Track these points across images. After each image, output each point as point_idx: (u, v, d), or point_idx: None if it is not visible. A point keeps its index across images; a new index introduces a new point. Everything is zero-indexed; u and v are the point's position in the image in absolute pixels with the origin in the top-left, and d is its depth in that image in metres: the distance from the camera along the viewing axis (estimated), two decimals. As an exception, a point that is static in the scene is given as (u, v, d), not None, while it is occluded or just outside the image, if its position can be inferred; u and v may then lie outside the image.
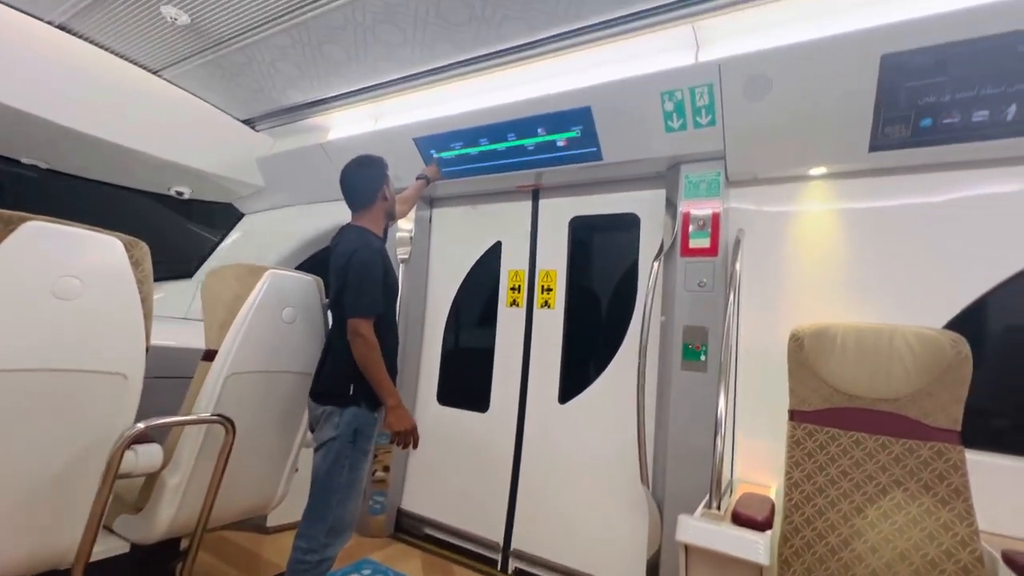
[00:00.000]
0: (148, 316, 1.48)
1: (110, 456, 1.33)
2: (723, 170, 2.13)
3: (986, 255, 1.76)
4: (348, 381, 1.75)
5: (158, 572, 1.83)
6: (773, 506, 1.65)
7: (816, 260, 2.04)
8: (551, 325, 2.69)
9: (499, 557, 2.60)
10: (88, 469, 1.36)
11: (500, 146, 2.51)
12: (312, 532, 1.70)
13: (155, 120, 2.80)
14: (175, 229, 3.77)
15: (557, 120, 2.28)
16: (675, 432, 2.08)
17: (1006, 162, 1.74)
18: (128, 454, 1.38)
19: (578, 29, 1.98)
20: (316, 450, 1.78)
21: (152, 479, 1.65)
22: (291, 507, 2.02)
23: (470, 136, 2.54)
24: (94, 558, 1.37)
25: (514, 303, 2.82)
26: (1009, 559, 1.33)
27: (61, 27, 2.31)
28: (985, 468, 1.60)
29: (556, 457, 2.55)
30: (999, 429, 1.79)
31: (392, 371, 1.84)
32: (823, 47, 1.68)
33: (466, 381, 2.96)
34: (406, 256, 3.03)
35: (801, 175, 2.09)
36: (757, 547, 1.36)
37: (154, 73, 2.65)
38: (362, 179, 1.94)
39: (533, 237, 2.82)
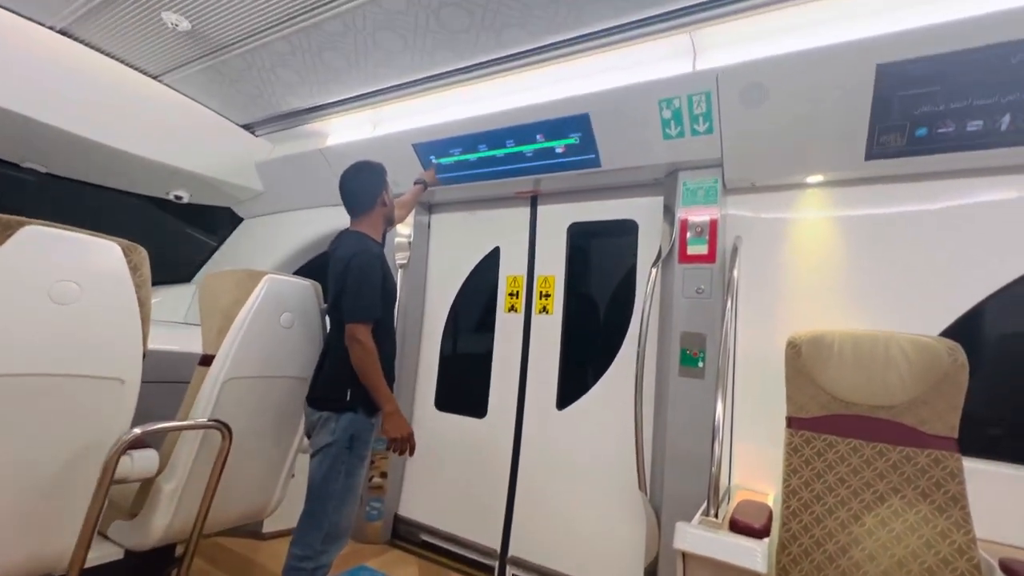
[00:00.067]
0: (146, 321, 1.48)
1: (106, 461, 1.32)
2: (721, 177, 2.14)
3: (982, 263, 1.77)
4: (345, 386, 1.75)
5: (152, 579, 1.82)
6: (771, 513, 1.64)
7: (813, 267, 2.05)
8: (549, 331, 2.69)
9: (496, 564, 2.59)
10: (83, 474, 1.35)
11: (499, 152, 2.52)
12: (308, 538, 1.69)
13: (155, 125, 2.81)
14: (174, 233, 3.76)
15: (556, 127, 2.29)
16: (673, 438, 2.08)
17: (1000, 171, 1.76)
18: (124, 459, 1.37)
19: (577, 37, 2.00)
20: (313, 456, 1.77)
21: (147, 485, 1.64)
22: (287, 513, 2.01)
23: (469, 142, 2.55)
24: (88, 564, 1.36)
25: (512, 308, 2.82)
26: (1006, 567, 1.33)
27: (62, 32, 2.31)
28: (982, 476, 1.61)
29: (554, 463, 2.54)
30: (996, 437, 1.79)
31: (390, 376, 1.84)
32: (819, 56, 1.70)
33: (464, 386, 2.96)
34: (405, 261, 3.03)
35: (798, 183, 2.11)
36: (755, 555, 1.36)
37: (154, 78, 2.66)
38: (361, 184, 1.94)
39: (532, 243, 2.83)
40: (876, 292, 1.92)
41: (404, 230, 3.06)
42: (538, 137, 2.37)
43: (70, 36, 2.34)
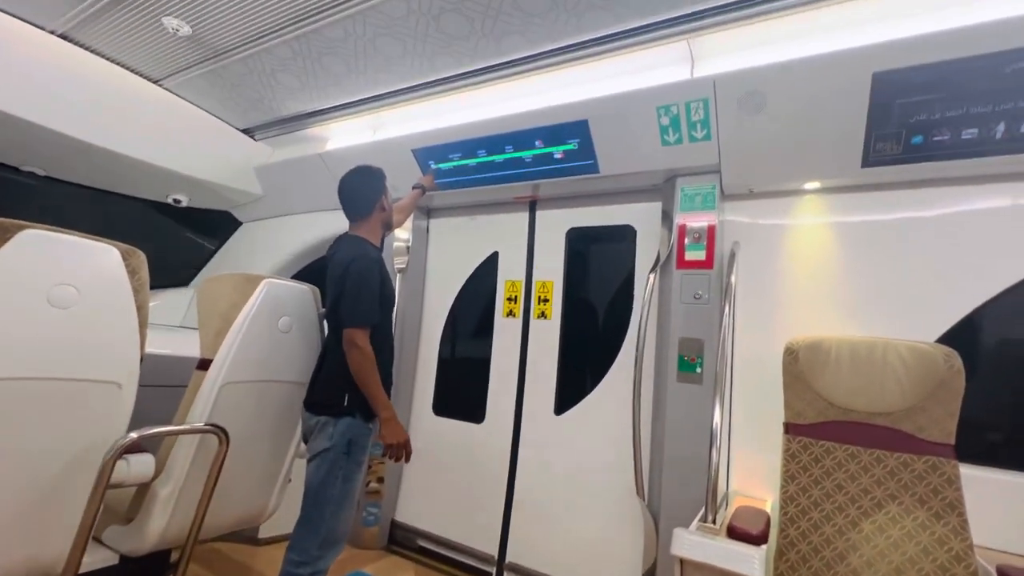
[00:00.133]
0: (144, 325, 1.48)
1: (102, 466, 1.31)
2: (718, 183, 2.15)
3: (978, 269, 1.78)
4: (343, 391, 1.74)
5: (147, 584, 1.81)
6: (769, 519, 1.64)
7: (810, 273, 2.06)
8: (547, 336, 2.69)
9: (493, 570, 2.58)
10: (79, 479, 1.34)
11: (498, 158, 2.53)
12: (304, 544, 1.69)
13: (154, 129, 2.81)
14: (172, 237, 3.76)
15: (555, 133, 2.30)
16: (671, 444, 2.07)
17: (996, 178, 1.77)
18: (120, 464, 1.37)
19: (576, 44, 2.01)
20: (310, 461, 1.76)
21: (143, 489, 1.63)
22: (284, 518, 2.00)
23: (468, 147, 2.56)
24: (82, 570, 1.35)
25: (511, 313, 2.83)
26: (1004, 574, 1.33)
27: (63, 36, 2.32)
28: (980, 482, 1.61)
29: (552, 469, 2.54)
30: (993, 443, 1.79)
31: (387, 382, 1.83)
32: (816, 64, 1.71)
33: (462, 392, 2.95)
34: (403, 266, 3.04)
35: (795, 189, 2.12)
36: (753, 561, 1.35)
37: (154, 82, 2.67)
38: (360, 189, 1.95)
39: (530, 248, 2.83)
40: (873, 298, 1.93)
41: (402, 235, 3.06)
42: (537, 143, 2.38)
43: (71, 40, 2.35)
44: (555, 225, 2.77)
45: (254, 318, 1.80)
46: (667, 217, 2.27)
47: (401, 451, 1.77)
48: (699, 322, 2.09)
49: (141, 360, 1.48)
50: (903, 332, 1.72)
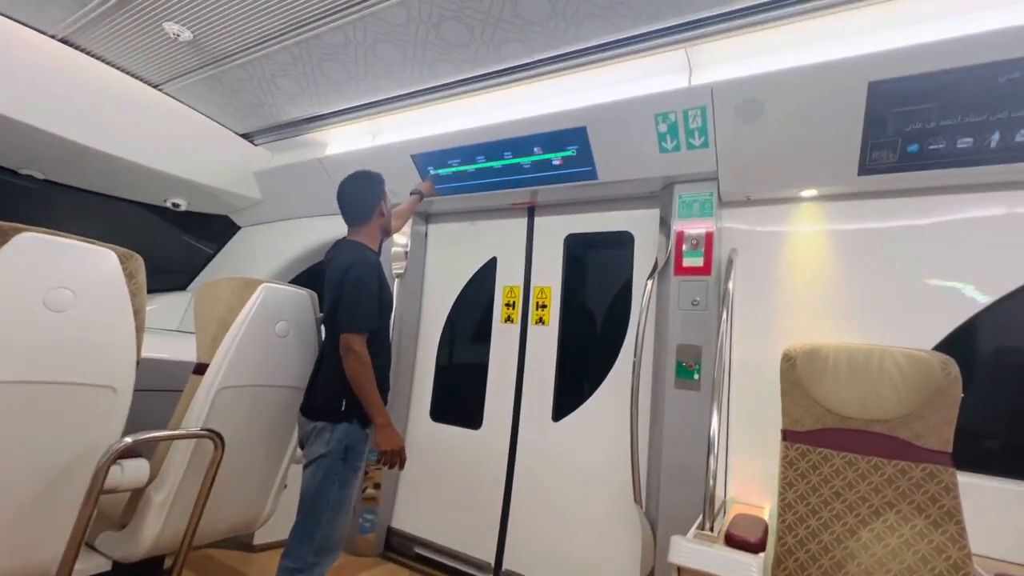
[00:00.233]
0: (140, 329, 1.48)
1: (95, 470, 1.31)
2: (716, 190, 2.16)
3: (974, 277, 1.79)
4: (340, 397, 1.74)
5: (140, 591, 1.79)
6: (766, 527, 1.64)
7: (808, 280, 2.06)
8: (545, 342, 2.69)
9: (490, 578, 2.56)
10: (72, 484, 1.33)
11: (497, 164, 2.54)
12: (299, 551, 1.67)
13: (154, 132, 2.82)
14: (171, 241, 3.76)
15: (553, 139, 2.31)
16: (668, 451, 2.07)
17: (991, 187, 1.78)
18: (114, 469, 1.36)
19: (575, 52, 2.03)
20: (306, 466, 1.75)
21: (137, 495, 1.62)
22: (279, 525, 1.98)
23: (467, 153, 2.57)
24: (75, 576, 1.34)
25: (509, 319, 2.82)
26: (1002, 583, 1.33)
27: (64, 41, 2.33)
28: (978, 490, 1.61)
29: (549, 475, 2.53)
30: (990, 451, 1.79)
31: (384, 387, 1.83)
32: (813, 73, 1.73)
33: (459, 397, 2.94)
34: (401, 271, 3.04)
35: (793, 196, 2.13)
36: (751, 570, 1.35)
37: (154, 87, 2.68)
38: (360, 194, 1.95)
39: (528, 254, 2.84)
40: (870, 305, 1.93)
41: (401, 240, 3.07)
42: (535, 149, 2.39)
43: (72, 45, 2.36)
44: (553, 231, 2.77)
45: (251, 322, 1.80)
46: (665, 224, 2.28)
47: (395, 458, 1.76)
48: (697, 329, 2.09)
49: (137, 364, 1.47)
50: (900, 339, 1.72)
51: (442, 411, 2.96)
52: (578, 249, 2.74)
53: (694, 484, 1.91)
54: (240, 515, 1.91)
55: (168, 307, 3.61)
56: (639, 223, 2.50)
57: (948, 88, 1.60)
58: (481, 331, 2.92)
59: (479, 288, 2.98)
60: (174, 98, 2.77)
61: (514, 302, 2.82)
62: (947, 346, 1.77)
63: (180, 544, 1.59)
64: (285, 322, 1.91)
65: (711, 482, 1.65)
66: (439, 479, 2.84)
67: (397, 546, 2.87)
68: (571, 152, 2.32)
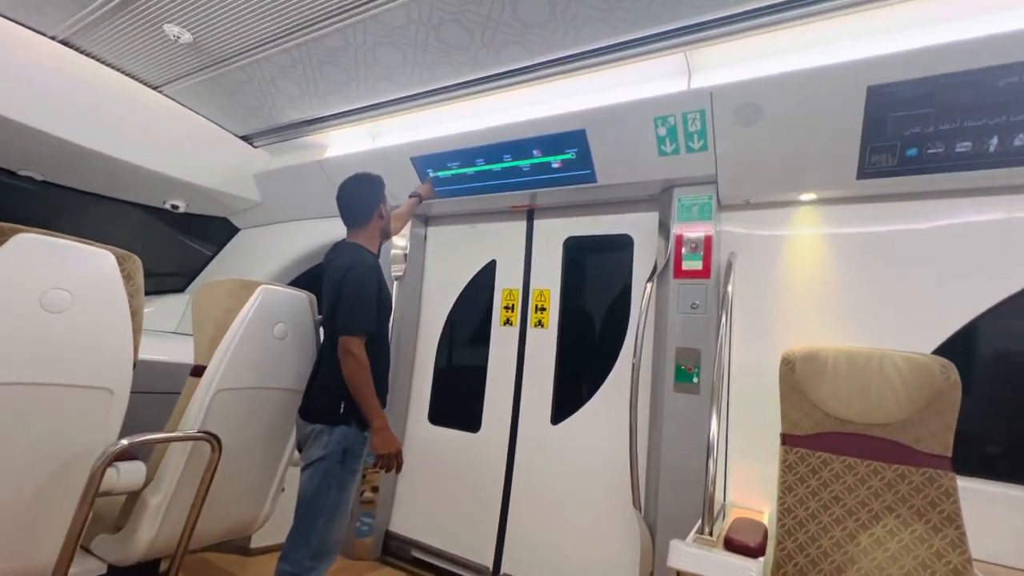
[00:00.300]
0: (138, 330, 1.47)
1: (91, 473, 1.30)
2: (715, 194, 2.16)
3: (973, 281, 1.79)
4: (339, 399, 1.73)
5: (136, 595, 1.78)
6: (766, 532, 1.63)
7: (807, 284, 2.06)
8: (544, 345, 2.68)
9: (488, 582, 2.55)
10: (68, 486, 1.32)
11: (496, 166, 2.54)
12: (296, 554, 1.66)
13: (153, 134, 2.82)
14: (169, 242, 3.75)
15: (552, 142, 2.32)
16: (667, 455, 2.06)
17: (989, 191, 1.79)
18: (110, 471, 1.35)
19: (574, 55, 2.03)
20: (303, 469, 1.74)
21: (133, 497, 1.61)
22: (276, 528, 1.97)
23: (467, 156, 2.57)
24: (70, 580, 1.33)
25: (508, 322, 2.82)
26: (1002, 588, 1.32)
27: (64, 42, 2.33)
28: (978, 495, 1.60)
29: (547, 479, 2.52)
30: (991, 455, 1.79)
31: (383, 390, 1.82)
32: (812, 77, 1.73)
33: (458, 400, 2.94)
34: (400, 273, 3.03)
35: (792, 200, 2.13)
36: (750, 574, 1.34)
37: (154, 89, 2.68)
38: (359, 196, 1.95)
39: (527, 256, 2.84)
40: (869, 309, 1.93)
41: (400, 242, 3.06)
42: (535, 152, 2.40)
43: (71, 46, 2.36)
44: (552, 234, 2.77)
45: (249, 324, 1.79)
46: (664, 227, 2.28)
47: (392, 461, 1.75)
48: (696, 332, 2.09)
49: (134, 366, 1.46)
50: (899, 343, 1.72)
51: (441, 414, 2.95)
52: (577, 252, 2.74)
53: (693, 488, 1.91)
54: (237, 518, 1.90)
55: (166, 309, 3.61)
56: (638, 226, 2.50)
57: (947, 92, 1.61)
58: (480, 334, 2.91)
59: (478, 291, 2.98)
60: (174, 100, 2.77)
61: (513, 305, 2.82)
62: (947, 350, 1.77)
63: (176, 547, 1.58)
64: (283, 324, 1.91)
65: (710, 486, 1.64)
66: (437, 482, 2.83)
67: (395, 550, 2.85)
68: (570, 155, 2.32)
